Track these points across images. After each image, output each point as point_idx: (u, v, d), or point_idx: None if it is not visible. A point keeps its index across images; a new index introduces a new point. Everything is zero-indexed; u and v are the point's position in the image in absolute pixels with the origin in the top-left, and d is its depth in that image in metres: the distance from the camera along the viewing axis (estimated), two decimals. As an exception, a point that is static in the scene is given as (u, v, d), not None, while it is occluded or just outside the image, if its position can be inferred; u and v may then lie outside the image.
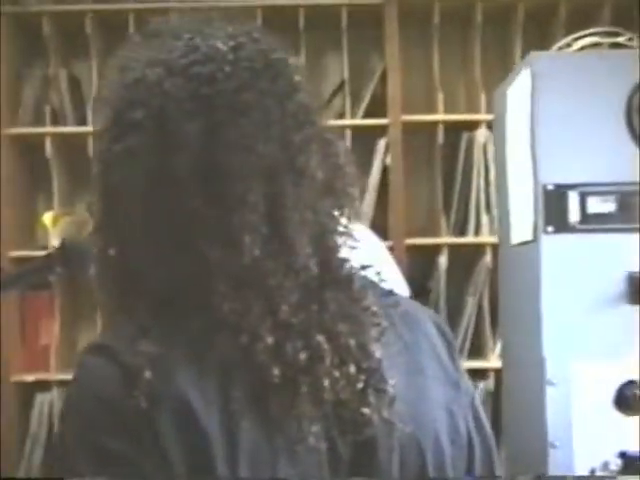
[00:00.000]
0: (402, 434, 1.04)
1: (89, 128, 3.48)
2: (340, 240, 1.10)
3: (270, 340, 1.00)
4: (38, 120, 3.54)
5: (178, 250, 1.03)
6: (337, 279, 1.07)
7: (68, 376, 3.17)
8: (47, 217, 3.56)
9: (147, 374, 0.96)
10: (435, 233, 3.56)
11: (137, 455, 0.95)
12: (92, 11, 3.52)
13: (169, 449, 0.95)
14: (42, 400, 3.44)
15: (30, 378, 3.45)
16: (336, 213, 1.09)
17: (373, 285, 1.13)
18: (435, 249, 3.52)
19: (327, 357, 1.02)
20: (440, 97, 3.54)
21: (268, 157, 1.01)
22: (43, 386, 3.45)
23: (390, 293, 1.15)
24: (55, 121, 3.52)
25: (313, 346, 1.02)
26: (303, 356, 1.01)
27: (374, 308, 1.08)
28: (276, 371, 0.99)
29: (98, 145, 1.08)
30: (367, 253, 1.13)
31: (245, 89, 1.02)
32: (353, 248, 1.10)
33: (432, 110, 3.57)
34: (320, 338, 1.02)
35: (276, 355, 1.00)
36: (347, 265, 1.10)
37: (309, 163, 1.04)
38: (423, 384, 1.10)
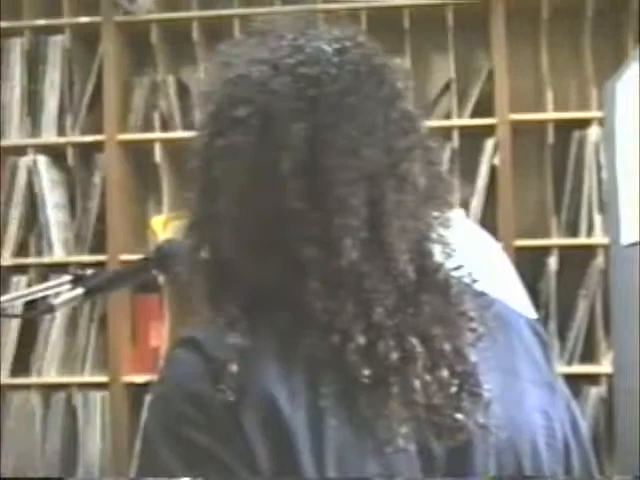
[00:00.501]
0: (498, 439, 1.02)
1: (196, 133, 3.53)
2: (437, 246, 1.09)
3: (362, 340, 1.00)
4: (147, 126, 3.60)
5: (274, 247, 1.03)
6: (434, 284, 1.07)
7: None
8: (157, 221, 3.62)
9: (233, 367, 0.97)
10: (545, 234, 3.49)
11: (223, 449, 0.96)
12: (199, 18, 3.57)
13: (254, 444, 0.95)
14: (152, 401, 3.49)
15: (140, 379, 3.51)
16: (434, 220, 1.09)
17: (467, 287, 1.11)
18: (545, 250, 3.45)
19: (420, 359, 1.01)
20: (549, 95, 3.47)
21: (372, 162, 1.01)
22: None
23: (482, 294, 1.13)
24: (164, 127, 3.58)
25: (406, 348, 1.01)
26: (395, 356, 1.00)
27: (471, 313, 1.07)
28: (366, 371, 0.99)
29: (198, 140, 1.08)
30: (487, 257, 1.12)
31: (350, 93, 1.02)
32: (449, 255, 1.09)
33: (541, 108, 3.51)
34: (414, 340, 1.02)
35: (367, 355, 0.99)
36: (444, 270, 1.09)
37: (411, 170, 1.04)
38: (518, 387, 1.08)
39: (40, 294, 1.26)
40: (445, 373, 1.02)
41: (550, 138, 3.44)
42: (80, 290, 1.25)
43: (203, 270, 1.08)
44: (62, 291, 1.24)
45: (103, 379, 3.52)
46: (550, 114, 3.46)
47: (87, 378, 3.55)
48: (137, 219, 3.71)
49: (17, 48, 3.66)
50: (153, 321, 3.58)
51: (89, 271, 1.27)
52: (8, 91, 3.66)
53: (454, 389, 1.02)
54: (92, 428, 3.53)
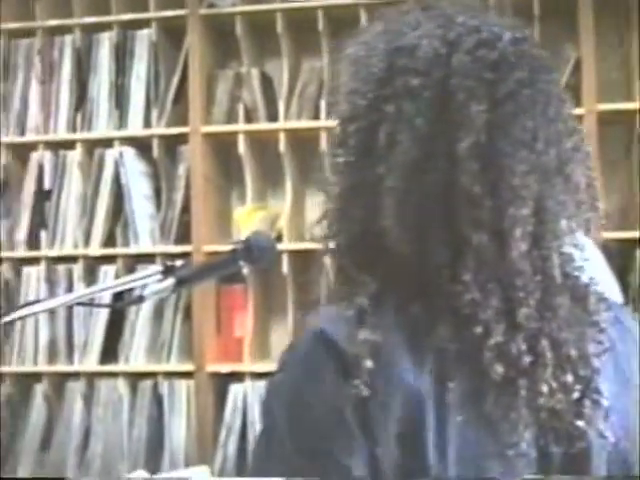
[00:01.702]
0: (612, 446, 1.01)
1: (281, 125, 3.54)
2: (576, 251, 1.07)
3: (500, 338, 0.98)
4: (231, 118, 3.63)
5: (438, 229, 1.00)
6: (574, 289, 1.05)
7: (261, 368, 3.24)
8: (240, 212, 3.66)
9: (368, 363, 0.95)
10: (633, 226, 3.43)
11: (349, 444, 0.95)
12: (283, 10, 3.58)
13: (381, 438, 0.94)
14: (236, 390, 3.53)
15: (225, 369, 3.54)
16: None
17: (600, 295, 1.09)
18: (633, 243, 3.39)
19: (549, 364, 1.00)
20: (638, 84, 3.40)
21: (544, 157, 1.00)
22: (237, 377, 3.54)
23: (605, 299, 1.11)
24: (248, 118, 3.60)
25: (538, 351, 1.00)
26: (527, 359, 0.99)
27: (603, 325, 1.05)
28: (500, 369, 0.97)
29: (353, 105, 1.05)
30: (594, 257, 1.10)
31: (526, 84, 1.01)
32: (585, 260, 1.08)
33: (630, 98, 3.44)
34: (545, 344, 1.00)
35: (501, 353, 0.98)
36: (583, 277, 1.07)
37: (575, 171, 1.03)
38: (633, 396, 1.06)
39: (131, 285, 1.28)
40: (570, 379, 1.01)
41: (639, 127, 3.37)
42: (170, 281, 1.27)
43: (337, 256, 1.07)
44: (152, 282, 1.26)
45: (188, 368, 3.56)
46: (639, 104, 3.39)
47: (173, 367, 3.60)
48: (221, 210, 3.74)
49: (105, 43, 3.72)
50: (237, 311, 3.61)
51: (178, 262, 1.28)
52: (96, 85, 3.72)
53: (576, 395, 1.01)
54: (177, 416, 3.58)
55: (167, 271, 1.29)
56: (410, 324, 0.99)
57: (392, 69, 1.03)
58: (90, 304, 1.30)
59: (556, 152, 1.02)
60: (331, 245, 1.09)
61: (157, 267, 1.29)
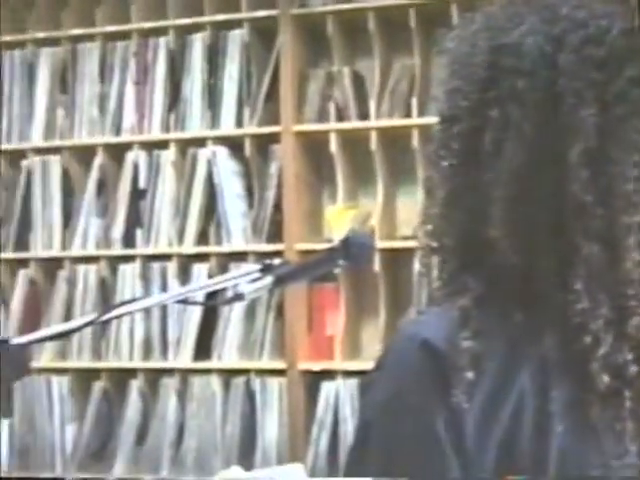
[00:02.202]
0: None
1: (372, 123, 3.52)
2: None
3: (608, 348, 0.94)
4: (323, 116, 3.62)
5: (546, 237, 0.97)
6: None
7: (352, 366, 3.23)
8: (332, 211, 3.65)
9: (469, 374, 0.93)
10: None
11: (443, 462, 0.93)
12: (373, 8, 3.55)
13: (478, 450, 0.92)
14: (328, 388, 3.52)
15: (316, 367, 3.54)
16: None
17: None
18: None
19: None
20: None
21: None
22: (329, 375, 3.53)
23: None
24: (339, 117, 3.58)
25: None
26: (633, 369, 0.95)
27: None
28: (606, 379, 0.94)
29: (454, 107, 1.02)
30: None
31: (637, 83, 0.97)
32: None
33: None
34: None
35: (608, 364, 0.94)
36: None
37: None
38: None
39: (231, 282, 1.27)
40: None
41: None
42: (268, 279, 1.26)
43: (440, 257, 1.04)
44: (249, 280, 1.25)
45: (280, 365, 3.57)
46: None
47: (265, 364, 3.60)
48: (312, 209, 3.74)
49: (198, 44, 3.75)
50: (329, 310, 3.60)
51: (277, 261, 1.27)
52: (189, 85, 3.75)
53: None
54: (270, 413, 3.59)
55: (265, 269, 1.28)
56: (514, 330, 0.96)
57: (496, 69, 0.99)
58: (192, 302, 1.30)
59: None
60: (434, 245, 1.05)
61: (256, 265, 1.28)
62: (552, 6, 1.01)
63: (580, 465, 0.93)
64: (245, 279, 1.26)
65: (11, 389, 1.31)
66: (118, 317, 1.34)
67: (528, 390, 0.93)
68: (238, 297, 1.26)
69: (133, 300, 1.35)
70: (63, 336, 1.44)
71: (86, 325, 1.35)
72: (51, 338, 1.42)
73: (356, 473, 0.98)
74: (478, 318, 0.96)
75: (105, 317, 1.34)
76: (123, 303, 1.36)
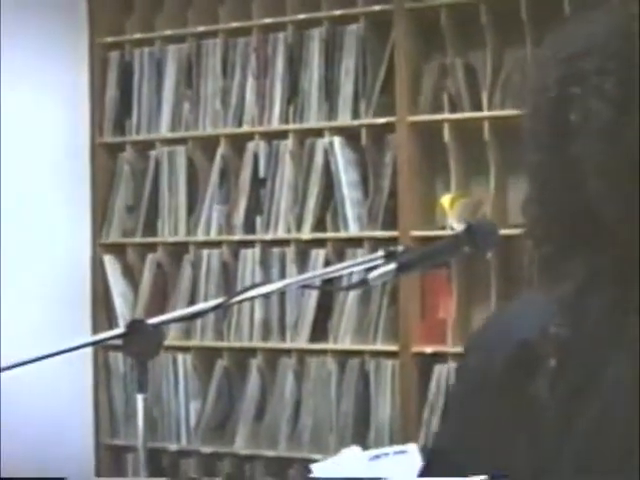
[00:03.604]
0: None
1: (485, 113, 3.46)
2: None
3: None
4: (436, 107, 3.57)
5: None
6: None
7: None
8: (445, 199, 3.60)
9: (552, 362, 0.90)
10: None
11: (512, 444, 0.90)
12: (486, 1, 3.49)
13: (555, 437, 0.89)
14: (440, 371, 3.48)
15: (429, 350, 3.51)
16: None
17: None
18: None
19: None
20: None
21: None
22: (441, 357, 3.50)
23: None
24: (452, 108, 3.53)
25: None
26: None
27: None
28: None
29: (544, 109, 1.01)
30: None
31: None
32: None
33: None
34: None
35: None
36: None
37: None
38: None
39: (357, 268, 1.26)
40: None
41: None
42: (392, 266, 1.24)
43: (540, 242, 1.02)
44: (377, 265, 1.24)
45: (393, 348, 3.55)
46: None
47: (379, 346, 3.59)
48: (426, 197, 3.70)
49: (316, 38, 3.74)
50: (441, 295, 3.57)
51: (400, 247, 1.25)
52: (307, 78, 3.75)
53: None
54: (383, 394, 3.57)
55: (389, 256, 1.26)
56: (613, 311, 0.92)
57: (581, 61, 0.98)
58: (319, 287, 1.30)
59: None
60: (535, 231, 1.03)
61: (380, 252, 1.27)
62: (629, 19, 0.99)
63: None
64: (370, 264, 1.24)
65: (147, 366, 1.33)
66: (248, 299, 1.35)
67: (619, 381, 0.89)
68: (363, 283, 1.25)
69: (262, 284, 1.36)
70: (194, 317, 1.45)
71: (217, 307, 1.36)
72: (183, 319, 1.44)
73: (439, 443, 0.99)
74: (576, 305, 0.94)
75: (235, 299, 1.35)
76: (252, 286, 1.36)
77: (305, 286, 1.27)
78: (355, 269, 1.27)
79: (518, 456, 0.90)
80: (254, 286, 1.37)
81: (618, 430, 0.89)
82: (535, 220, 1.03)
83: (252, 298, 1.34)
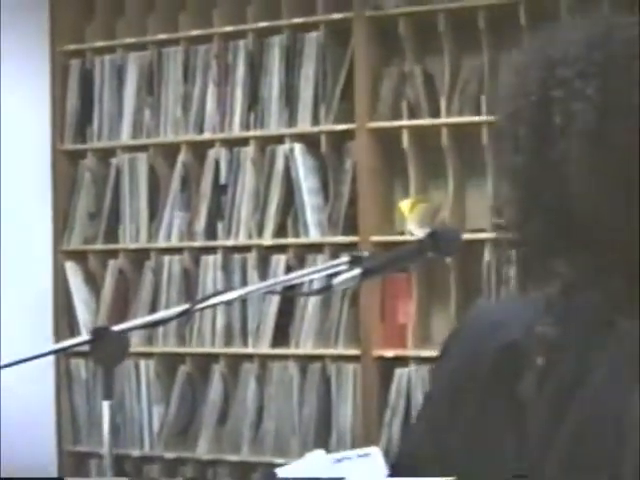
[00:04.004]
0: None
1: (443, 120, 3.48)
2: None
3: None
4: (396, 114, 3.59)
5: (633, 198, 0.95)
6: None
7: (424, 353, 3.21)
8: (404, 204, 3.61)
9: (540, 361, 0.90)
10: None
11: (498, 441, 0.91)
12: (444, 10, 3.51)
13: (541, 435, 0.89)
14: (401, 374, 3.49)
15: (389, 353, 3.51)
16: None
17: None
18: None
19: None
20: None
21: None
22: (401, 361, 3.51)
23: None
24: (411, 114, 3.55)
25: None
26: None
27: None
28: None
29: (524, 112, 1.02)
30: None
31: None
32: None
33: None
34: None
35: None
36: None
37: None
38: None
39: (321, 274, 1.26)
40: None
41: None
42: (357, 271, 1.24)
43: (523, 245, 1.01)
44: (341, 271, 1.24)
45: (355, 352, 3.55)
46: None
47: (340, 351, 3.59)
48: (385, 202, 3.71)
49: (276, 46, 3.74)
50: (401, 299, 3.58)
51: (365, 253, 1.25)
52: (268, 85, 3.75)
53: None
54: (344, 398, 3.57)
55: (354, 261, 1.26)
56: (600, 311, 0.93)
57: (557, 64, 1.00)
58: (284, 292, 1.29)
59: None
60: (518, 233, 1.02)
61: (345, 257, 1.27)
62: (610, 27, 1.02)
63: None
64: (335, 270, 1.24)
65: (112, 372, 1.32)
66: (214, 306, 1.34)
67: (604, 381, 0.90)
68: (328, 288, 1.25)
69: (226, 290, 1.35)
70: (160, 324, 1.44)
71: (183, 313, 1.36)
72: (149, 325, 1.43)
73: (409, 445, 0.96)
74: (564, 305, 0.94)
75: (201, 306, 1.34)
76: (217, 293, 1.35)
77: (271, 292, 1.26)
78: (321, 274, 1.27)
79: (507, 456, 0.90)
80: (221, 292, 1.36)
81: (605, 429, 0.89)
82: (517, 221, 1.02)
83: (219, 304, 1.33)
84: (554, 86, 0.99)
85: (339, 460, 1.83)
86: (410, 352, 3.48)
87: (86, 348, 1.36)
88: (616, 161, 0.95)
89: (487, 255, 3.41)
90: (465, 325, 1.00)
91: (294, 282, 1.35)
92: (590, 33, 1.01)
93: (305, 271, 1.27)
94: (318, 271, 1.26)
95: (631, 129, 0.95)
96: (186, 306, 1.36)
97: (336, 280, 1.24)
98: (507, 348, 0.92)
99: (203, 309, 1.39)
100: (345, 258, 1.27)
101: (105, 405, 1.37)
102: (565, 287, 0.95)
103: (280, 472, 1.82)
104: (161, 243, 3.87)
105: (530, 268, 1.01)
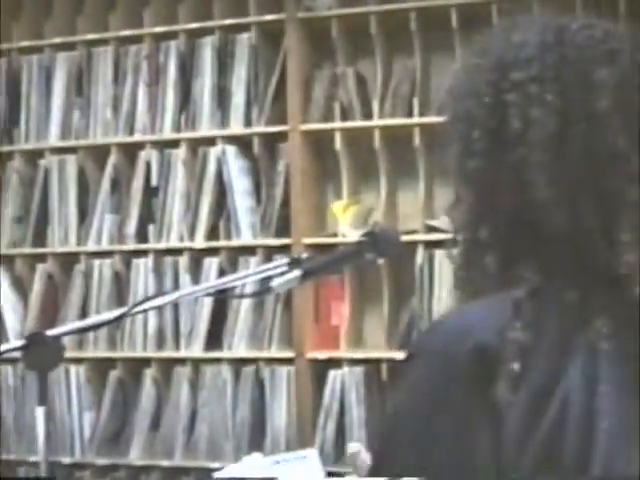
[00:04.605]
0: None
1: (375, 122, 3.50)
2: None
3: None
4: (328, 116, 3.60)
5: (590, 190, 0.95)
6: None
7: (357, 355, 3.22)
8: (337, 206, 3.63)
9: (515, 366, 0.90)
10: None
11: (475, 450, 0.90)
12: (376, 12, 3.53)
13: (519, 442, 0.89)
14: (334, 376, 3.50)
15: (323, 356, 3.52)
16: None
17: None
18: None
19: None
20: None
21: None
22: (335, 363, 3.51)
23: None
24: (344, 116, 3.56)
25: None
26: None
27: None
28: None
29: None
30: None
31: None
32: None
33: None
34: None
35: None
36: None
37: None
38: None
39: (262, 275, 1.26)
40: None
41: None
42: (297, 273, 1.24)
43: (488, 248, 1.00)
44: (279, 273, 1.23)
45: (288, 355, 3.55)
46: None
47: (274, 353, 3.58)
48: (318, 204, 3.72)
49: (208, 47, 3.72)
50: (334, 301, 3.59)
51: (305, 255, 1.25)
52: (199, 87, 3.73)
53: None
54: (278, 400, 3.57)
55: (294, 263, 1.26)
56: (567, 317, 0.93)
57: (507, 65, 1.01)
58: (222, 295, 1.28)
59: None
60: (480, 236, 1.01)
61: (285, 259, 1.27)
62: (559, 30, 1.02)
63: (624, 461, 0.89)
64: (275, 272, 1.24)
65: (47, 378, 1.30)
66: (148, 310, 1.33)
67: (576, 385, 0.90)
68: (267, 290, 1.24)
69: (163, 294, 1.34)
70: (95, 328, 1.43)
71: (119, 318, 1.34)
72: (83, 330, 1.41)
73: (385, 462, 0.95)
74: (531, 309, 0.93)
75: (137, 309, 1.33)
76: (153, 296, 1.34)
77: (210, 294, 1.25)
78: (260, 276, 1.27)
79: (480, 460, 0.90)
80: (157, 295, 1.35)
81: (575, 433, 0.89)
82: (473, 224, 1.01)
83: (156, 308, 1.32)
84: (507, 89, 0.99)
85: (277, 462, 1.83)
86: (343, 354, 3.49)
87: (15, 354, 1.34)
88: (576, 166, 0.96)
89: (419, 257, 3.44)
90: (433, 329, 0.98)
91: (233, 285, 1.34)
92: (542, 35, 1.01)
93: (245, 273, 1.26)
94: (258, 273, 1.26)
95: (590, 134, 0.96)
96: (122, 310, 1.35)
97: (276, 282, 1.24)
98: (477, 351, 0.91)
99: (140, 313, 1.37)
100: (284, 260, 1.27)
101: (40, 411, 1.35)
102: (531, 291, 0.95)
103: (218, 476, 1.81)
104: (91, 246, 3.82)
105: (493, 272, 1.00)
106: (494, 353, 0.91)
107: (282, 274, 1.25)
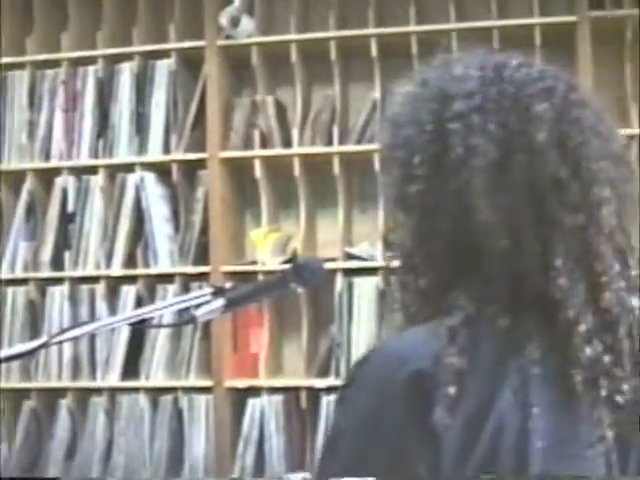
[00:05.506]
0: None
1: (295, 150, 3.53)
2: None
3: (588, 325, 0.96)
4: (248, 143, 3.61)
5: (525, 223, 0.99)
6: None
7: (276, 383, 3.22)
8: (256, 234, 3.63)
9: (452, 390, 0.92)
10: None
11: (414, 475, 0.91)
12: (296, 41, 3.57)
13: (456, 465, 0.91)
14: (253, 404, 3.50)
15: (242, 384, 3.51)
16: None
17: None
18: None
19: (628, 361, 0.97)
20: (634, 111, 3.39)
21: (612, 146, 1.05)
22: (254, 392, 3.51)
23: None
24: (263, 144, 3.58)
25: (615, 348, 0.97)
26: (606, 359, 0.96)
27: None
28: (588, 351, 0.95)
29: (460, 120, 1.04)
30: None
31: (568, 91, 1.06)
32: None
33: (626, 125, 3.43)
34: (626, 342, 0.98)
35: (589, 339, 0.96)
36: None
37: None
38: None
39: (183, 305, 1.26)
40: None
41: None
42: (220, 302, 1.25)
43: (418, 275, 1.03)
44: (203, 302, 1.24)
45: (207, 383, 3.53)
46: (636, 130, 3.38)
47: (192, 382, 3.56)
48: (237, 232, 3.72)
49: (127, 72, 3.70)
50: (253, 328, 3.58)
51: (228, 284, 1.26)
52: (118, 113, 3.71)
53: None
54: (197, 429, 3.54)
55: (217, 292, 1.26)
56: (501, 341, 0.96)
57: (448, 98, 1.04)
58: (147, 325, 1.28)
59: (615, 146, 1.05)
60: (414, 262, 1.04)
61: (207, 288, 1.27)
62: (498, 66, 1.07)
63: (559, 458, 0.93)
64: (198, 301, 1.24)
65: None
66: (70, 340, 1.32)
67: (509, 407, 0.93)
68: (190, 320, 1.25)
69: (80, 324, 1.33)
70: (14, 359, 1.40)
71: (40, 347, 1.32)
72: (3, 360, 1.39)
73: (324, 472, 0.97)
74: (466, 335, 0.96)
75: (58, 339, 1.31)
76: (71, 327, 1.33)
77: (134, 324, 1.24)
78: (182, 305, 1.27)
79: None
80: (76, 325, 1.34)
81: (511, 453, 0.92)
82: (412, 251, 1.04)
83: (79, 337, 1.31)
84: (450, 118, 1.02)
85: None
86: (262, 382, 3.49)
87: None
88: (515, 193, 0.99)
89: (339, 284, 3.47)
90: (370, 358, 0.99)
91: (154, 314, 1.34)
92: (482, 70, 1.05)
93: (167, 302, 1.26)
94: (180, 302, 1.26)
95: (529, 163, 0.99)
96: (40, 341, 1.33)
97: (199, 311, 1.24)
98: (414, 378, 0.93)
99: (61, 342, 1.36)
100: (207, 289, 1.28)
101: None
102: (465, 318, 0.97)
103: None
104: (4, 274, 3.75)
105: (432, 298, 1.02)
106: (430, 380, 0.93)
107: (205, 303, 1.26)
